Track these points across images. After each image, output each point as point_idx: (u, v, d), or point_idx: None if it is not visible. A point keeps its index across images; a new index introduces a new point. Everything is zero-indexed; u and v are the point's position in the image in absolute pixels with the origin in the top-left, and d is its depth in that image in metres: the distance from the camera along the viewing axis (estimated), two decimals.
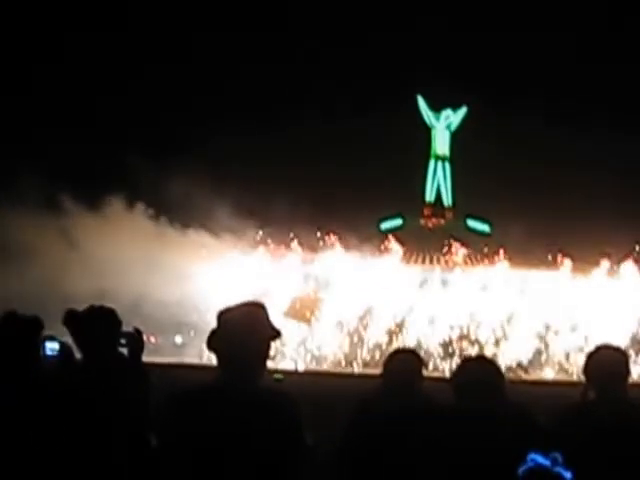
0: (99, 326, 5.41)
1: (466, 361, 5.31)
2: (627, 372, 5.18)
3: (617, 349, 5.26)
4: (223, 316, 4.04)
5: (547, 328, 50.53)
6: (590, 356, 5.22)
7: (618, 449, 4.95)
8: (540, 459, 4.18)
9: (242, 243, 49.37)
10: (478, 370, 5.05)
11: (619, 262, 51.01)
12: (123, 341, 5.49)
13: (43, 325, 5.47)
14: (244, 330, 3.99)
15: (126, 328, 5.57)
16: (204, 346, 4.19)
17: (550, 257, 50.68)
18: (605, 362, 5.12)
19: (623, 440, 4.96)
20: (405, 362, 5.57)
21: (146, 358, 5.64)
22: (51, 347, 5.76)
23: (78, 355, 5.61)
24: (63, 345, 5.76)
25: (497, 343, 50.39)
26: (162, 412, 4.15)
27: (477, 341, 50.37)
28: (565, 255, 50.57)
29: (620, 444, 4.95)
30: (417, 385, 5.52)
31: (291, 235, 49.96)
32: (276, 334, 4.05)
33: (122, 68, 58.82)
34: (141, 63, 60.08)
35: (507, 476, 4.19)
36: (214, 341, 4.08)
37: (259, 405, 3.96)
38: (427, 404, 5.40)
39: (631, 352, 48.04)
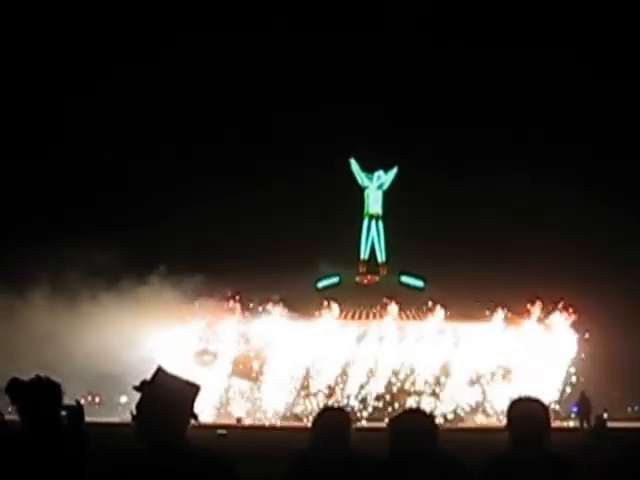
0: (42, 396, 5.51)
1: (402, 412, 5.52)
2: (546, 423, 5.25)
3: (536, 401, 5.30)
4: (161, 378, 4.23)
5: (481, 377, 51.60)
6: (510, 408, 5.28)
7: None
8: None
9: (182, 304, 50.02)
10: (412, 420, 5.28)
11: (550, 311, 52.30)
12: (64, 413, 5.60)
13: None
14: (173, 403, 4.16)
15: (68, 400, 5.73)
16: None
17: (483, 309, 51.55)
18: (524, 414, 5.18)
19: None
20: (333, 419, 5.65)
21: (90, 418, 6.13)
22: None
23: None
24: None
25: (434, 393, 51.32)
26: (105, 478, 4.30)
27: (414, 392, 51.27)
28: (498, 306, 51.49)
29: None
30: (345, 441, 5.59)
31: (229, 294, 50.57)
32: (194, 418, 4.27)
33: None
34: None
35: None
36: (144, 395, 4.28)
37: (195, 470, 4.10)
38: (355, 458, 5.55)
39: (567, 392, 49.67)
